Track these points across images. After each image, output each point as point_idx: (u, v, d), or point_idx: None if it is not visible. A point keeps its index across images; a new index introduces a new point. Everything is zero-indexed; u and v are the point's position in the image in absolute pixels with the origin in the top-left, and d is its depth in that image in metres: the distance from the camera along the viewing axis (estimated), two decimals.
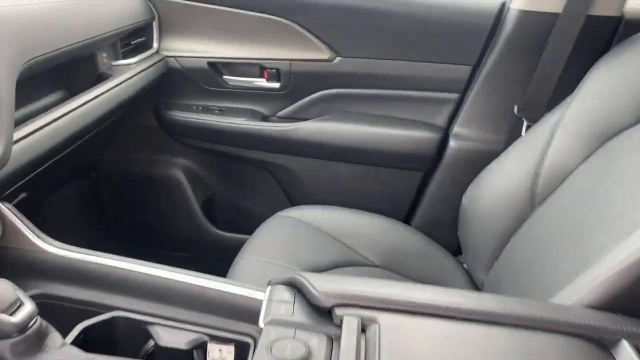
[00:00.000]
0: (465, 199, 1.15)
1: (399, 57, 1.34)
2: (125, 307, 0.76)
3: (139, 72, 1.27)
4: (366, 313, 0.61)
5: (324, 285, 0.66)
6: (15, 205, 0.95)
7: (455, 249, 1.28)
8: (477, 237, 1.07)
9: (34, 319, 0.57)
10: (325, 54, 1.37)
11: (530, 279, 0.87)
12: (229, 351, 0.73)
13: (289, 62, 1.39)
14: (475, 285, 1.12)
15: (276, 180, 1.51)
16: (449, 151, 1.33)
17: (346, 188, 1.44)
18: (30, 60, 0.82)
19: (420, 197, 1.41)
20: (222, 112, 1.44)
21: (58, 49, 0.91)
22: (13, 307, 0.55)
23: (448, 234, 1.29)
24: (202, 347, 0.73)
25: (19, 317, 0.54)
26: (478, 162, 1.20)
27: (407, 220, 1.41)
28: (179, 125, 1.44)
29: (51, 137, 0.92)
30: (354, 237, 1.21)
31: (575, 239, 0.80)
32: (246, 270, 1.05)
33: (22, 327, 0.55)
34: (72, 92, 1.09)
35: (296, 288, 0.69)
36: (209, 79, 1.42)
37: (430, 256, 1.23)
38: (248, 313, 0.73)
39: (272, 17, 1.35)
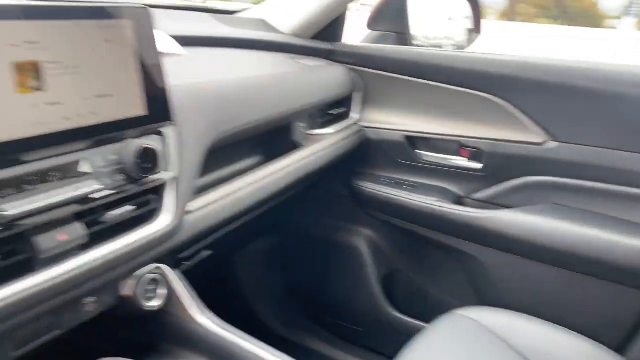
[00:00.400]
0: None
1: (629, 147, 1.10)
2: None
3: (335, 143, 1.27)
4: None
5: None
6: (200, 263, 1.01)
7: None
8: None
9: None
10: (536, 137, 1.20)
11: None
12: None
13: (493, 142, 1.25)
14: None
15: (464, 270, 1.35)
16: None
17: (545, 295, 1.21)
18: (221, 134, 0.86)
19: None
20: (413, 187, 1.35)
21: (250, 123, 0.94)
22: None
23: None
24: None
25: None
26: None
27: (621, 350, 1.12)
28: (368, 196, 1.40)
29: (236, 204, 0.95)
30: (543, 356, 1.00)
31: None
32: None
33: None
34: (268, 157, 1.13)
35: None
36: (404, 152, 1.36)
37: None
38: None
39: (479, 93, 1.24)
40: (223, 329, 0.77)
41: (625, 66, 1.19)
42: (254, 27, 1.32)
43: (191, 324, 0.78)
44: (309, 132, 1.23)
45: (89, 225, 0.63)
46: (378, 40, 1.52)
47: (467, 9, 1.51)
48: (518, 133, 1.22)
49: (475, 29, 1.54)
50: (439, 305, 1.40)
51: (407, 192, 1.34)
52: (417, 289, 1.46)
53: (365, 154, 1.40)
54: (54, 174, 0.59)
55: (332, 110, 1.31)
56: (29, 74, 0.56)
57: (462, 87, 1.25)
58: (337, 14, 1.39)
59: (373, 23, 1.55)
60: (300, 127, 1.20)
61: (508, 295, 1.25)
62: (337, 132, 1.29)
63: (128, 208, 0.68)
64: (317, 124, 1.26)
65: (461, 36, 1.54)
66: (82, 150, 0.62)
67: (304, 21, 1.35)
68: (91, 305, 0.70)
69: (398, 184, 1.37)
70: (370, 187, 1.39)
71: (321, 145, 1.20)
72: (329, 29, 1.39)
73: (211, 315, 0.79)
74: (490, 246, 1.26)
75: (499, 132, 1.24)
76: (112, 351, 0.61)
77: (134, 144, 0.67)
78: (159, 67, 0.71)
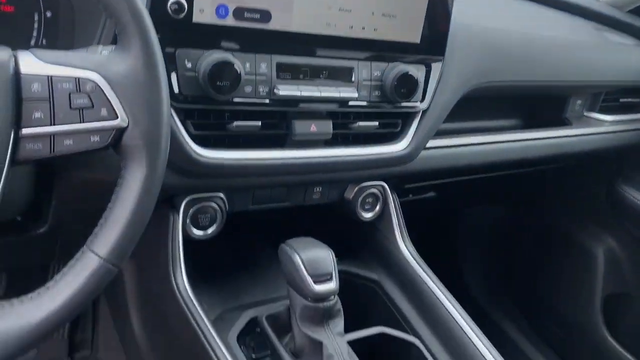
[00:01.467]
0: None
1: None
2: (426, 343, 0.74)
3: (612, 132, 1.12)
4: None
5: None
6: (423, 203, 1.05)
7: None
8: None
9: (332, 298, 0.62)
10: None
11: None
12: None
13: None
14: None
15: None
16: None
17: None
18: (483, 83, 0.84)
19: None
20: None
21: (519, 82, 0.90)
22: (324, 277, 0.61)
23: None
24: None
25: (317, 288, 0.60)
26: None
27: None
28: (630, 205, 1.22)
29: (475, 156, 0.94)
30: None
31: None
32: None
33: (318, 297, 0.60)
34: (526, 124, 1.07)
35: None
36: None
37: None
38: None
39: None
40: (420, 265, 0.80)
41: None
42: None
43: (391, 246, 0.83)
44: (585, 112, 1.11)
45: (337, 126, 0.71)
46: None
47: None
48: None
49: None
50: None
51: None
52: None
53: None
54: (324, 72, 0.67)
55: (625, 98, 1.15)
56: None
57: None
58: None
59: None
60: (577, 104, 1.09)
61: None
62: (618, 122, 1.13)
63: (375, 123, 0.74)
64: (597, 107, 1.12)
65: None
66: (354, 59, 0.69)
67: None
68: (317, 194, 0.80)
69: None
70: (634, 195, 1.21)
71: (592, 130, 1.07)
72: None
73: (412, 247, 0.83)
74: None
75: None
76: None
77: (398, 68, 0.71)
78: (447, 3, 0.72)
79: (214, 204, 0.71)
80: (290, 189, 0.77)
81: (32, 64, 0.40)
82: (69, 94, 0.41)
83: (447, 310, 0.75)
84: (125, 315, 0.84)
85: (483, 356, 0.68)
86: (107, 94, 0.42)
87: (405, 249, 0.82)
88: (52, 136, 0.41)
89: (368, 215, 0.84)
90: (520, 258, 1.55)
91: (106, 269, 0.42)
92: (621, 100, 1.15)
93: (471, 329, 0.72)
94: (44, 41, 0.61)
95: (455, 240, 1.57)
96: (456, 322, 0.73)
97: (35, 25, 0.60)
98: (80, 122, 0.42)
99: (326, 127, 0.70)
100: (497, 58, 0.86)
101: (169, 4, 0.55)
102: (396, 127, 0.77)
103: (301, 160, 0.69)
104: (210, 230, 0.72)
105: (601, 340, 1.29)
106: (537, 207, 1.46)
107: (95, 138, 0.43)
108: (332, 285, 0.61)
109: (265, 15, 0.61)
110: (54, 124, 0.41)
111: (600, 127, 1.10)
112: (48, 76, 0.41)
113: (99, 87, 0.42)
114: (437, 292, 0.77)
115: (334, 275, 0.62)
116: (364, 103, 0.71)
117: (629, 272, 1.29)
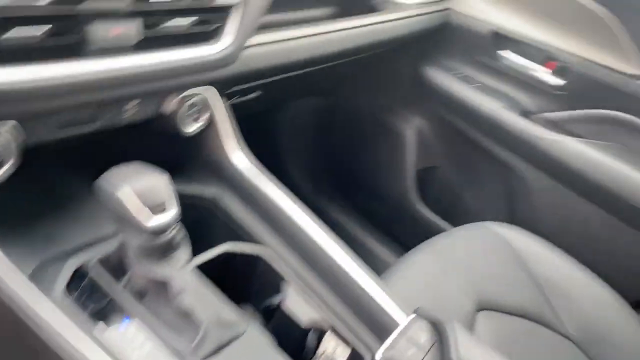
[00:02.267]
0: None
1: None
2: (275, 251, 0.72)
3: (416, 15, 1.16)
4: None
5: (471, 355, 0.51)
6: (248, 104, 0.98)
7: None
8: None
9: (173, 227, 0.55)
10: (636, 69, 1.07)
11: None
12: (342, 353, 0.64)
13: (585, 61, 1.13)
14: None
15: (506, 185, 1.30)
16: None
17: (582, 233, 1.16)
18: None
19: None
20: (481, 89, 1.26)
21: None
22: (160, 208, 0.53)
23: None
24: (318, 333, 0.65)
25: (153, 222, 0.52)
26: None
27: (637, 307, 1.09)
28: (433, 84, 1.32)
29: (296, 51, 0.90)
30: (557, 290, 0.98)
31: None
32: (414, 271, 0.93)
33: (156, 232, 0.53)
34: (339, 13, 1.05)
35: (438, 335, 0.56)
36: (485, 48, 1.24)
37: None
38: (380, 327, 0.63)
39: (591, 6, 1.09)
40: (256, 167, 0.76)
41: None
42: None
43: (224, 158, 0.77)
44: None
45: (147, 26, 0.59)
46: None
47: None
48: (617, 59, 1.09)
49: None
50: (469, 213, 1.38)
51: (473, 92, 1.26)
52: (452, 191, 1.43)
53: (443, 38, 1.28)
54: None
55: None
56: None
57: None
58: None
59: None
60: None
61: (543, 222, 1.21)
62: (421, 4, 1.17)
63: (190, 19, 0.63)
64: None
65: None
66: None
67: None
68: (132, 110, 0.68)
69: (467, 80, 1.28)
70: (438, 76, 1.31)
71: (399, 15, 1.10)
72: None
73: (248, 152, 0.78)
74: (543, 170, 1.19)
75: (596, 53, 1.11)
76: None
77: None
78: None
79: (1, 138, 0.56)
80: (100, 107, 0.64)
81: None
82: None
83: (288, 213, 0.73)
84: None
85: (331, 257, 0.69)
86: None
87: (241, 157, 0.76)
88: None
89: (193, 128, 0.75)
90: (340, 145, 1.61)
91: None
92: None
93: (313, 226, 0.71)
94: None
95: (279, 135, 1.56)
96: (298, 223, 0.72)
97: None
98: None
99: (132, 28, 0.57)
100: None
101: None
102: (215, 22, 0.67)
103: (106, 73, 0.57)
104: (1, 171, 0.57)
105: (416, 210, 1.44)
106: (352, 96, 1.50)
107: None
108: (170, 215, 0.54)
109: None
110: None
111: (406, 12, 1.13)
112: None
113: None
114: (275, 195, 0.74)
115: (171, 202, 0.54)
116: None
117: (435, 147, 1.42)
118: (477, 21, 1.24)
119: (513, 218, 1.26)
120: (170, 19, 0.61)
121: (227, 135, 0.77)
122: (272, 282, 0.69)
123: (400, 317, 0.61)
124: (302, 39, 0.87)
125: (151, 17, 0.59)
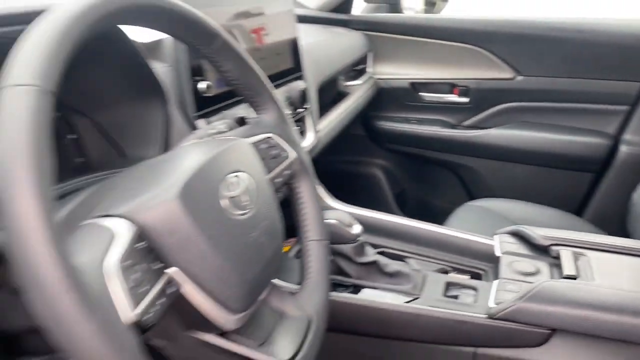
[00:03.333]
0: (636, 195, 1.35)
1: (573, 75, 1.59)
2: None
3: (365, 91, 1.66)
4: (576, 250, 0.89)
5: (541, 231, 0.95)
6: None
7: None
8: None
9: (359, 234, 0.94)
10: (508, 74, 1.66)
11: None
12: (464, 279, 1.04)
13: (476, 80, 1.70)
14: None
15: (459, 179, 1.82)
16: (620, 155, 1.54)
17: (522, 186, 1.70)
18: (319, 83, 1.24)
19: (591, 195, 1.62)
20: (419, 122, 1.78)
21: (330, 75, 1.32)
22: (350, 225, 0.92)
23: (617, 227, 1.49)
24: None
25: (354, 230, 0.91)
26: None
27: (578, 214, 1.63)
28: (383, 132, 1.82)
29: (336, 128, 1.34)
30: (535, 225, 1.48)
31: None
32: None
33: (354, 237, 0.91)
34: (327, 102, 1.50)
35: (518, 236, 0.99)
36: (409, 95, 1.78)
37: None
38: (480, 253, 1.03)
39: (465, 45, 1.68)
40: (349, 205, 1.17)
41: (569, 18, 1.66)
42: None
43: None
44: (346, 83, 1.62)
45: None
46: (375, 10, 1.91)
47: None
48: (495, 72, 1.68)
49: None
50: (441, 212, 1.87)
51: (414, 125, 1.78)
52: (423, 200, 1.92)
53: (379, 99, 1.80)
54: None
55: (356, 67, 1.70)
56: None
57: (451, 41, 1.69)
58: None
59: None
60: (341, 80, 1.59)
61: (495, 190, 1.73)
62: (362, 83, 1.68)
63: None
64: (349, 78, 1.65)
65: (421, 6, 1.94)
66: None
67: None
68: None
69: (406, 120, 1.80)
70: (385, 125, 1.81)
71: (359, 93, 1.59)
72: (343, 3, 1.77)
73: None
74: (479, 156, 1.73)
75: (481, 73, 1.69)
76: None
77: (297, 85, 1.04)
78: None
79: None
80: None
81: None
82: None
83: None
84: None
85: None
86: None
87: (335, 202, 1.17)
88: None
89: None
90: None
91: None
92: (355, 69, 1.70)
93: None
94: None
95: None
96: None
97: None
98: None
99: None
100: (319, 62, 1.28)
101: None
102: (302, 126, 1.09)
103: None
104: None
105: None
106: (329, 162, 1.96)
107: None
108: (359, 228, 0.93)
109: None
110: None
111: (360, 90, 1.63)
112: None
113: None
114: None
115: (355, 223, 0.93)
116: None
117: (400, 175, 1.92)
118: (398, 80, 1.78)
119: (475, 197, 1.77)
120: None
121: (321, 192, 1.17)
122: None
123: (489, 241, 1.03)
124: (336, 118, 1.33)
125: None
